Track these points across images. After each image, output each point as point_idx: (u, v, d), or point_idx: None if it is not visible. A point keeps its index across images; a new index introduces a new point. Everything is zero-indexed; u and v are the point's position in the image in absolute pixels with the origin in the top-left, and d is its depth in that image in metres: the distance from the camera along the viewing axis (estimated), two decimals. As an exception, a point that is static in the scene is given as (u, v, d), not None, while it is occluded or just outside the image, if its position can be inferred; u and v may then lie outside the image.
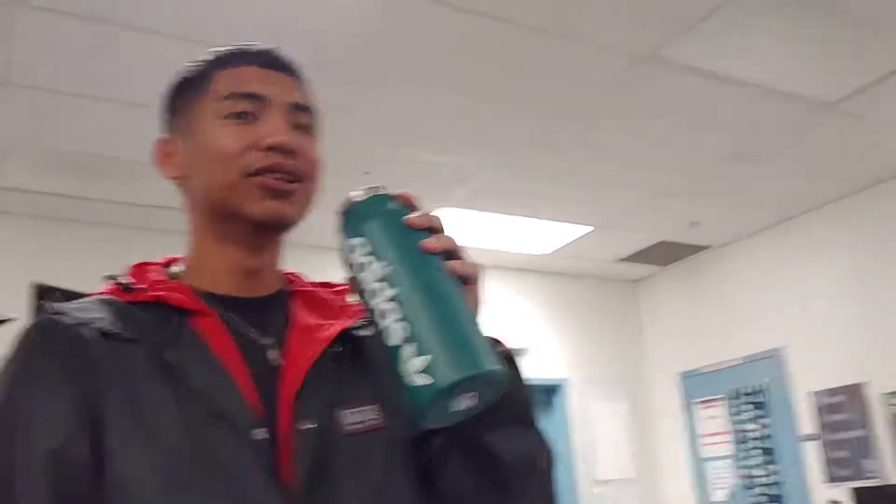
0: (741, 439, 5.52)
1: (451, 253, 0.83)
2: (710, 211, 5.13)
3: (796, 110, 3.85)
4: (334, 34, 3.05)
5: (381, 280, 0.77)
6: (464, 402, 0.76)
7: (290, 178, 0.90)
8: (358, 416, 0.89)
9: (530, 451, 0.91)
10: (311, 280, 1.04)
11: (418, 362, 0.74)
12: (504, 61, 3.31)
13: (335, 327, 0.94)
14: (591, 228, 5.29)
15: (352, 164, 3.96)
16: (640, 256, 5.94)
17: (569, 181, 4.54)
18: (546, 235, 5.40)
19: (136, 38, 2.99)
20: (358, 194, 0.83)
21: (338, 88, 3.34)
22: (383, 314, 0.76)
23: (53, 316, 0.85)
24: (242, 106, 0.90)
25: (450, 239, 0.83)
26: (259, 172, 0.88)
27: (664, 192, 4.78)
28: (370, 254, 0.79)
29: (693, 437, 5.88)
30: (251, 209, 0.89)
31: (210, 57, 0.98)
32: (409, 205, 0.84)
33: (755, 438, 5.43)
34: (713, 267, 5.90)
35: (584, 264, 6.07)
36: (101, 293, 0.91)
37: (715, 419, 5.74)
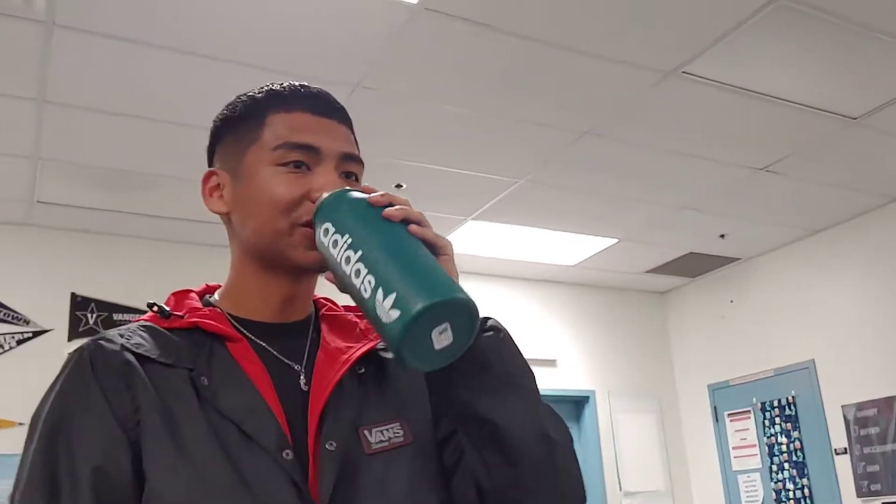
0: (771, 452, 5.47)
1: (417, 223, 0.88)
2: (739, 223, 5.11)
3: (822, 124, 3.83)
4: (362, 51, 3.10)
5: (348, 248, 0.83)
6: (439, 340, 0.80)
7: None
8: (382, 435, 0.93)
9: (533, 419, 0.91)
10: (342, 305, 1.08)
11: (387, 302, 0.78)
12: (531, 78, 3.34)
13: (359, 349, 0.98)
14: (616, 240, 5.29)
15: (383, 178, 4.02)
16: (667, 268, 5.92)
17: (595, 195, 4.56)
18: (571, 247, 5.40)
19: (166, 57, 3.06)
20: (326, 193, 0.90)
21: (368, 104, 3.39)
22: (356, 274, 0.82)
23: (99, 341, 0.90)
24: (296, 156, 0.94)
25: (413, 210, 0.88)
26: (308, 225, 0.92)
27: (692, 205, 4.77)
28: (336, 232, 0.85)
29: (723, 449, 5.84)
30: (296, 257, 0.94)
31: (263, 95, 1.00)
32: (370, 193, 0.90)
33: (786, 451, 5.37)
34: (742, 279, 5.87)
35: (611, 276, 6.06)
36: (142, 319, 0.97)
37: (745, 431, 5.69)
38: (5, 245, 4.47)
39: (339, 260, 0.84)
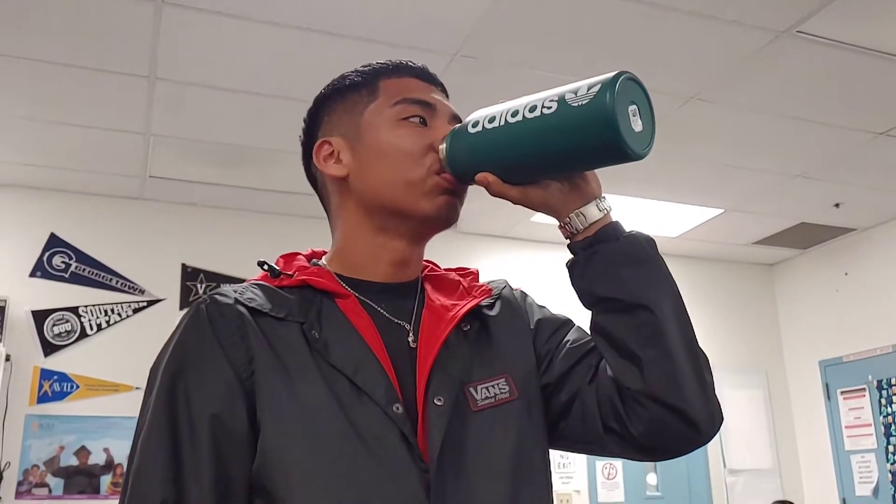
0: (888, 432, 5.22)
1: None
2: (855, 191, 4.85)
3: (952, 82, 3.58)
4: (445, 20, 3.07)
5: (507, 112, 0.93)
6: (635, 123, 0.87)
7: (459, 188, 0.99)
8: (488, 391, 0.94)
9: (684, 321, 0.94)
10: (445, 267, 1.10)
11: (581, 90, 0.86)
12: (635, 42, 3.24)
13: (464, 307, 0.99)
14: (722, 210, 5.11)
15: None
16: (776, 239, 5.68)
17: (700, 163, 4.40)
18: (674, 218, 5.25)
19: (272, 32, 3.11)
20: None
21: (450, 74, 3.37)
22: (529, 110, 0.90)
23: (214, 296, 0.93)
24: (415, 110, 0.99)
25: None
26: (439, 173, 0.96)
27: (803, 173, 4.55)
28: (485, 116, 0.95)
29: (835, 428, 5.60)
30: (427, 206, 0.96)
31: (370, 67, 1.04)
32: None
33: (904, 432, 5.12)
34: (858, 250, 5.58)
35: (716, 247, 5.87)
36: (253, 280, 1.00)
37: (859, 410, 5.45)
38: (121, 218, 4.69)
39: (501, 121, 0.90)
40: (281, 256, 1.04)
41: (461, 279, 1.06)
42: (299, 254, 1.05)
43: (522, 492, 0.91)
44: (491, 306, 1.04)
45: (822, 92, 3.67)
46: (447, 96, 1.06)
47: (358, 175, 0.99)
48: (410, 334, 0.96)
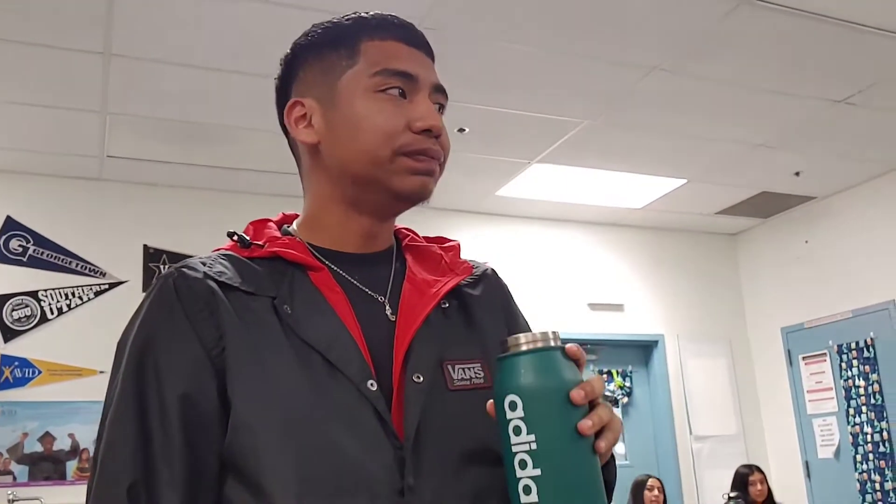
0: (848, 395, 5.34)
1: (606, 433, 0.80)
2: (815, 160, 4.91)
3: (908, 49, 3.62)
4: (421, -8, 3.03)
5: (528, 453, 0.76)
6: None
7: (433, 165, 0.95)
8: (464, 373, 0.92)
9: None
10: (423, 235, 1.07)
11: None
12: (597, 14, 3.23)
13: (447, 284, 0.97)
14: (685, 181, 5.15)
15: (447, 120, 3.95)
16: (738, 209, 5.75)
17: (663, 134, 4.43)
18: (638, 189, 5.29)
19: (230, 4, 3.04)
20: (524, 341, 0.80)
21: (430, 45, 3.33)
22: (525, 489, 0.76)
23: (182, 269, 0.90)
24: (395, 82, 0.93)
25: (606, 412, 0.80)
26: (410, 154, 0.92)
27: (764, 142, 4.60)
28: (522, 419, 0.77)
29: (797, 393, 5.72)
30: (399, 184, 0.92)
31: (352, 22, 0.98)
32: (577, 361, 0.81)
33: (863, 394, 5.24)
34: (818, 218, 5.67)
35: (679, 218, 5.92)
36: (222, 249, 0.96)
37: (820, 375, 5.56)
38: (79, 200, 4.59)
39: (513, 452, 0.77)
40: (251, 223, 1.00)
41: (443, 253, 1.03)
42: (270, 220, 1.02)
43: (496, 475, 0.88)
44: (471, 285, 1.01)
45: (783, 61, 3.70)
46: (433, 58, 1.00)
47: (329, 144, 0.95)
48: (388, 307, 0.94)
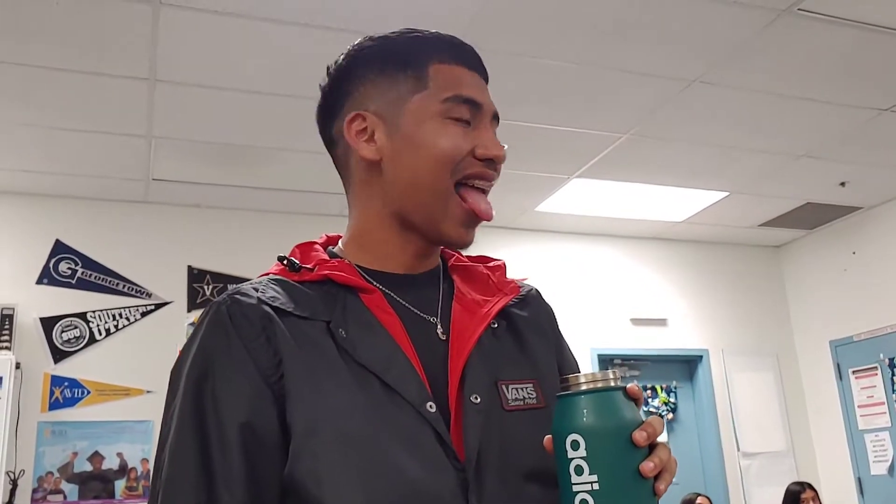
0: (901, 410, 5.20)
1: (664, 474, 0.80)
2: (861, 170, 4.82)
3: (956, 55, 3.55)
4: (459, 4, 3.05)
5: (590, 493, 0.76)
6: None
7: (489, 186, 0.96)
8: (518, 393, 0.92)
9: None
10: (467, 255, 1.07)
11: None
12: (635, 25, 3.21)
13: (497, 304, 0.97)
14: (727, 194, 5.09)
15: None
16: (782, 220, 5.66)
17: (704, 146, 4.38)
18: (679, 202, 5.23)
19: (269, 29, 3.10)
20: (587, 380, 0.80)
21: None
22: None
23: (235, 295, 0.90)
24: (464, 110, 0.94)
25: (665, 452, 0.80)
26: (467, 178, 0.93)
27: (808, 152, 4.53)
28: (584, 459, 0.77)
29: (847, 407, 5.59)
30: (447, 231, 0.94)
31: (419, 42, 0.97)
32: (637, 399, 0.81)
33: (917, 409, 5.10)
34: (865, 228, 5.55)
35: (722, 231, 5.84)
36: (270, 273, 0.96)
37: (871, 389, 5.43)
38: (125, 222, 4.68)
39: (574, 486, 0.77)
40: (297, 246, 1.00)
41: (490, 273, 1.03)
42: (316, 243, 1.01)
43: (556, 496, 0.88)
44: (518, 306, 1.01)
45: (825, 70, 3.65)
46: (487, 80, 1.00)
47: (391, 163, 0.94)
48: (439, 327, 0.94)
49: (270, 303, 0.89)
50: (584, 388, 0.80)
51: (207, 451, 0.82)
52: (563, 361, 1.04)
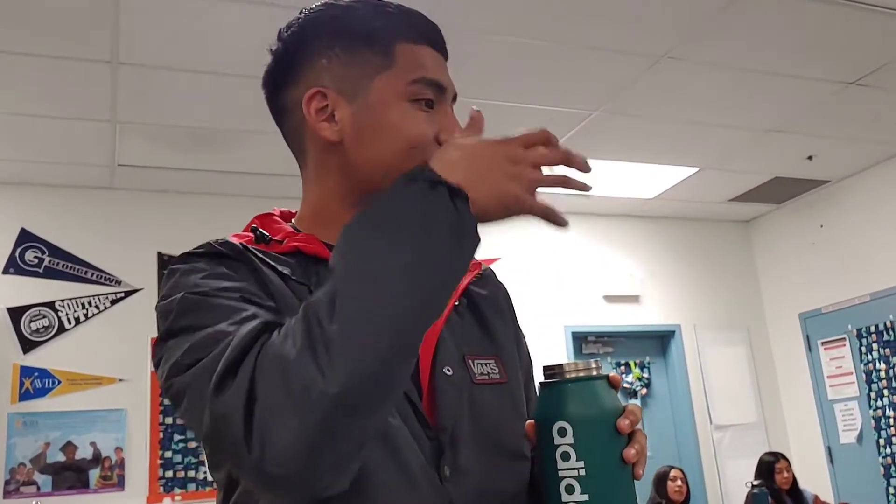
0: (869, 379, 5.29)
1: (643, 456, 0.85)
2: (828, 143, 4.87)
3: (920, 28, 3.58)
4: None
5: (576, 479, 0.80)
6: None
7: None
8: (482, 368, 0.94)
9: None
10: None
11: None
12: (599, 1, 3.21)
13: (462, 281, 0.98)
14: (696, 170, 5.12)
15: (458, 117, 3.95)
16: (751, 195, 5.71)
17: (673, 122, 4.40)
18: (650, 179, 5.26)
19: (234, 8, 3.04)
20: (572, 369, 0.84)
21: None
22: (567, 490, 0.80)
23: (221, 239, 0.90)
24: (429, 93, 0.92)
25: (643, 439, 0.84)
26: None
27: (776, 127, 4.56)
28: (572, 446, 0.80)
29: (817, 378, 5.68)
30: None
31: (385, 18, 0.94)
32: (616, 387, 0.85)
33: (885, 378, 5.19)
34: (832, 202, 5.62)
35: (692, 207, 5.89)
36: (241, 241, 0.93)
37: (840, 360, 5.52)
38: (92, 209, 4.61)
39: (560, 471, 0.81)
40: (257, 218, 0.98)
41: None
42: (273, 214, 1.00)
43: (524, 467, 0.91)
44: (477, 283, 1.03)
45: (791, 45, 3.67)
46: (447, 59, 0.99)
47: (353, 146, 0.91)
48: None
49: (257, 254, 0.90)
50: (570, 377, 0.83)
51: (240, 311, 0.80)
52: (520, 349, 1.06)
